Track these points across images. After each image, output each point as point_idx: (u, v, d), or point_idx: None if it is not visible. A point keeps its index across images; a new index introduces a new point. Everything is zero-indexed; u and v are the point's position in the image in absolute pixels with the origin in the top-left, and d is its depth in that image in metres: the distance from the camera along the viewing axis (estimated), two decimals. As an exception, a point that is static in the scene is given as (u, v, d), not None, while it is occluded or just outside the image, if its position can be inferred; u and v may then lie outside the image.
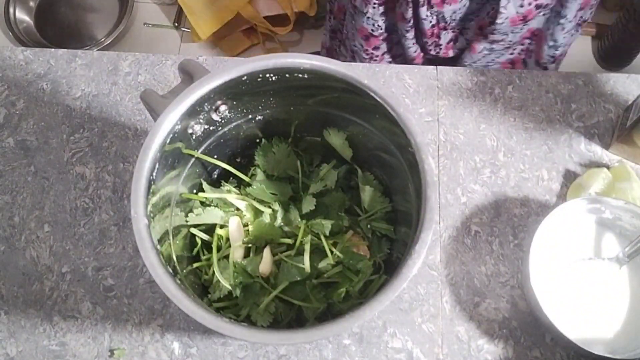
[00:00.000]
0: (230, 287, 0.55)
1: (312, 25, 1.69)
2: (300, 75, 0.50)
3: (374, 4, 0.86)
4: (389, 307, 0.63)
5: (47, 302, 0.64)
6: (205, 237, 0.58)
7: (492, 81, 0.74)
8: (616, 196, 0.67)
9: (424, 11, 0.83)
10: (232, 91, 0.51)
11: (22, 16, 1.68)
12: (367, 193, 0.59)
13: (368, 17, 0.88)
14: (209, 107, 0.51)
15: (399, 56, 0.96)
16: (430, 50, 0.91)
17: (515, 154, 0.70)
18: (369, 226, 0.59)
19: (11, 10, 1.66)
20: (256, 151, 0.61)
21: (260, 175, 0.61)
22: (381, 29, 0.90)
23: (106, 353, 0.62)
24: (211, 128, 0.55)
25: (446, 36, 0.89)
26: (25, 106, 0.72)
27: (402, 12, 0.85)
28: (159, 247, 0.46)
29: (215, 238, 0.58)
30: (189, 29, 1.69)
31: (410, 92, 0.73)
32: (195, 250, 0.58)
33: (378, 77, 0.74)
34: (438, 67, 0.74)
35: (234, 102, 0.53)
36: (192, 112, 0.49)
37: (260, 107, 0.56)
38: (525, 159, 0.70)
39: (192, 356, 0.62)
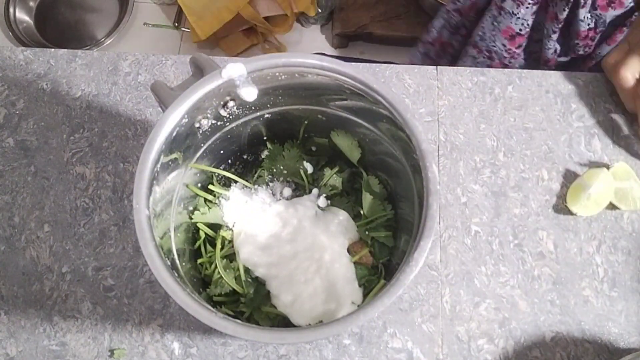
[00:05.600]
0: (232, 287, 0.55)
1: (312, 25, 1.69)
2: (310, 76, 0.50)
3: (528, 4, 0.84)
4: (389, 307, 0.63)
5: (47, 302, 0.64)
6: (210, 232, 0.58)
7: (492, 81, 0.74)
8: (617, 197, 0.67)
9: (583, 12, 0.80)
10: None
11: (22, 16, 1.68)
12: (367, 200, 0.59)
13: (518, 18, 0.87)
14: (217, 102, 0.51)
15: (534, 53, 0.94)
16: (579, 50, 0.88)
17: (515, 154, 0.71)
18: (366, 232, 0.59)
19: (11, 10, 1.66)
20: (265, 154, 0.61)
21: (266, 178, 0.61)
22: (528, 28, 0.88)
23: (106, 353, 0.62)
24: (218, 123, 0.54)
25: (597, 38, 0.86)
26: (25, 106, 0.72)
27: (555, 12, 0.82)
28: (158, 239, 0.46)
29: (219, 239, 0.58)
30: (189, 29, 1.69)
31: (410, 92, 0.73)
32: (198, 243, 0.58)
33: (378, 77, 0.74)
34: (438, 67, 0.74)
35: (243, 99, 0.53)
36: (200, 107, 0.49)
37: (269, 105, 0.56)
38: (525, 159, 0.70)
39: (192, 356, 0.62)
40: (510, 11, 0.87)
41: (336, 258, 0.56)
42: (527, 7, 0.85)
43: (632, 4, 0.78)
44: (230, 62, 0.49)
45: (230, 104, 0.52)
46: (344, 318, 0.43)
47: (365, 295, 0.56)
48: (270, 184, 0.62)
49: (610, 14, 0.80)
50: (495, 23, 0.91)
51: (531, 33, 0.90)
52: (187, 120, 0.48)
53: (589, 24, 0.82)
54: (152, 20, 1.73)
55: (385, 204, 0.59)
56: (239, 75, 0.49)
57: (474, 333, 0.63)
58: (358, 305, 0.54)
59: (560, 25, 0.84)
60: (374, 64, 0.74)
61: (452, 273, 0.65)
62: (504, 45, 0.92)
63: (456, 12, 1.04)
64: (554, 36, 0.86)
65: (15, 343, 0.62)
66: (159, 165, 0.47)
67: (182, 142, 0.51)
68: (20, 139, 0.71)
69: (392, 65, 0.74)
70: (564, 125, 0.72)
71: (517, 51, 0.93)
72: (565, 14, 0.82)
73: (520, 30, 0.89)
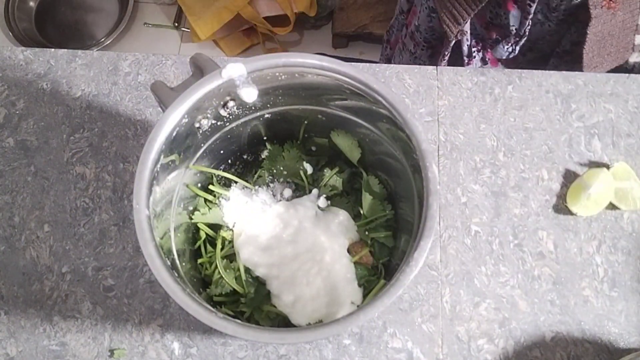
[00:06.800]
0: (232, 287, 0.55)
1: (312, 26, 1.70)
2: (310, 76, 0.50)
3: (423, 46, 0.87)
4: (389, 307, 0.63)
5: (47, 302, 0.64)
6: (210, 232, 0.58)
7: (492, 81, 0.74)
8: (617, 197, 0.67)
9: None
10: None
11: (22, 16, 1.68)
12: (367, 200, 0.59)
13: (415, 57, 0.90)
14: (217, 102, 0.51)
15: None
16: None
17: (515, 154, 0.71)
18: (366, 232, 0.59)
19: (11, 10, 1.66)
20: (265, 155, 0.61)
21: (266, 179, 0.61)
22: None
23: (106, 353, 0.62)
24: (218, 123, 0.54)
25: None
26: (25, 106, 0.72)
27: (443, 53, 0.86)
28: (158, 239, 0.46)
29: (220, 239, 0.58)
30: (189, 29, 1.69)
31: (410, 92, 0.73)
32: (198, 243, 0.58)
33: (378, 77, 0.74)
34: (438, 67, 0.74)
35: (243, 99, 0.53)
36: (200, 107, 0.49)
37: (269, 105, 0.56)
38: (525, 159, 0.70)
39: (192, 356, 0.62)
40: (408, 48, 0.91)
41: (336, 259, 0.56)
42: (422, 49, 0.90)
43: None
44: (230, 62, 0.49)
45: (230, 104, 0.52)
46: (344, 318, 0.43)
47: (365, 295, 0.56)
48: (271, 184, 0.62)
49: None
50: (401, 56, 0.96)
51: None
52: (187, 120, 0.48)
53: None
54: (152, 20, 1.73)
55: (385, 204, 0.59)
56: (239, 75, 0.49)
57: (474, 333, 0.63)
58: (358, 305, 0.54)
59: (444, 62, 0.86)
60: (374, 64, 0.74)
61: (452, 273, 0.65)
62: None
63: (388, 44, 1.10)
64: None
65: (15, 343, 0.62)
66: (159, 166, 0.47)
67: (182, 142, 0.51)
68: (20, 139, 0.71)
69: (392, 65, 0.74)
70: (564, 125, 0.72)
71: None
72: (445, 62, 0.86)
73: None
